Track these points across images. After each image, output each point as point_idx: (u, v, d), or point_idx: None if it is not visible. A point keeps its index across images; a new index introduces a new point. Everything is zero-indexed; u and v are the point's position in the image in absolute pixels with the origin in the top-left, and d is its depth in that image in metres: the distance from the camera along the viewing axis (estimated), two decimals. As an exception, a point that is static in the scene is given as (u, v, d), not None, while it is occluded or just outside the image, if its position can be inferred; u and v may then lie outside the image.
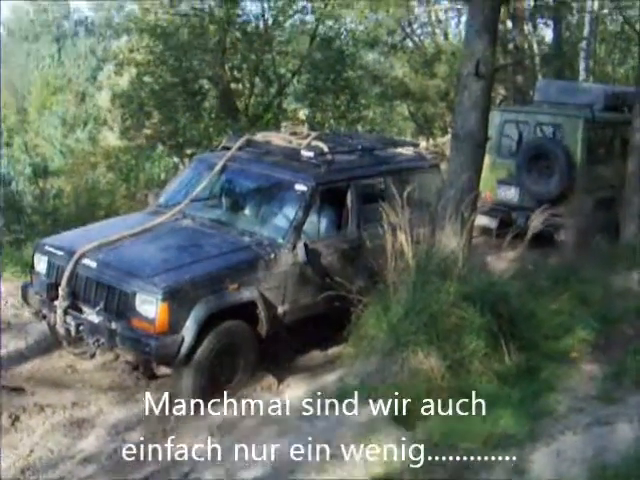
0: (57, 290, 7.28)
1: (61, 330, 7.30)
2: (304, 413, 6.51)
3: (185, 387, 7.04)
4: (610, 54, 28.07)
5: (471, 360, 7.01)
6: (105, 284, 7.14)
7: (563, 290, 9.76)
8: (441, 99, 22.57)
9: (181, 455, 6.27)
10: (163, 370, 7.54)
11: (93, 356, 7.48)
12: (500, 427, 6.18)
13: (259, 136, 9.42)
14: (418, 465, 5.45)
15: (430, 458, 5.58)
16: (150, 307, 6.84)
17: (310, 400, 6.87)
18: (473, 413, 6.33)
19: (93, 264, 7.27)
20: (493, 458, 5.74)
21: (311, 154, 8.43)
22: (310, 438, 5.77)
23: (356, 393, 6.61)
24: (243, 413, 6.91)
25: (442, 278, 7.46)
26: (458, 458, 5.68)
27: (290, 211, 8.04)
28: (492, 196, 13.00)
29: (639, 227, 12.44)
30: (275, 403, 7.07)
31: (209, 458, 6.06)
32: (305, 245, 7.64)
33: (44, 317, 7.56)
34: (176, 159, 17.03)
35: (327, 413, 6.30)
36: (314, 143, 8.85)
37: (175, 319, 6.85)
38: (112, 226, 8.41)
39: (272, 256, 7.61)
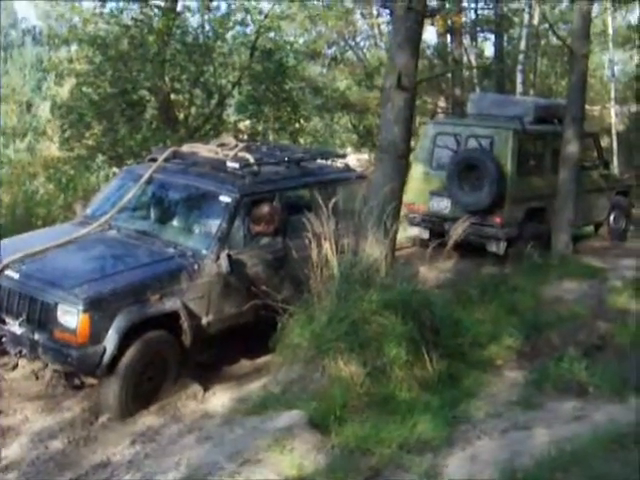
0: None
1: None
2: (225, 420, 6.62)
3: (109, 397, 7.08)
4: (552, 67, 28.53)
5: (392, 367, 7.12)
6: (27, 295, 7.15)
7: (492, 299, 9.97)
8: (383, 111, 22.70)
9: (102, 461, 6.34)
10: (91, 379, 7.55)
11: (15, 367, 7.58)
12: (417, 433, 6.28)
13: (186, 147, 9.57)
14: (332, 469, 5.53)
15: (345, 462, 5.68)
16: (71, 318, 6.86)
17: (232, 408, 6.99)
18: (391, 419, 6.45)
19: (16, 275, 7.29)
20: (407, 462, 5.86)
21: (236, 165, 8.51)
22: (228, 444, 5.84)
23: (276, 401, 6.74)
24: (166, 421, 7.00)
25: (365, 287, 7.59)
26: (373, 462, 5.78)
27: (214, 222, 8.09)
28: (425, 207, 13.13)
29: (570, 237, 12.70)
30: (199, 411, 7.21)
31: (129, 464, 6.14)
32: (229, 256, 7.68)
33: None
34: (116, 169, 16.95)
35: (247, 420, 6.38)
36: (240, 154, 8.91)
37: (97, 330, 6.87)
38: (38, 237, 8.49)
39: (195, 267, 7.66)
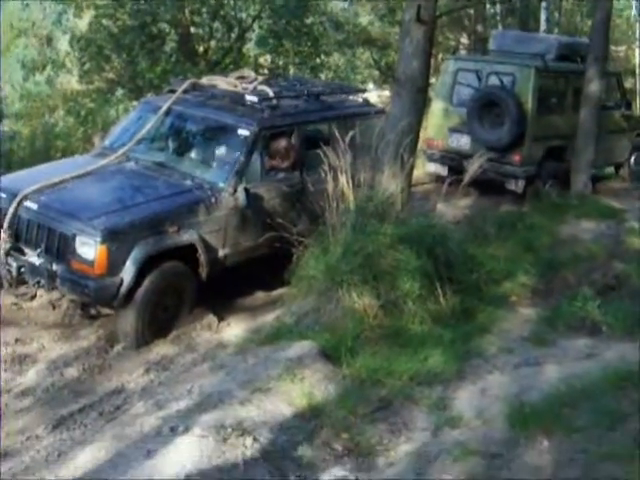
0: None
1: (3, 271, 7.35)
2: (238, 350, 6.69)
3: (126, 326, 7.17)
4: (578, 6, 28.08)
5: (405, 301, 7.11)
6: (46, 226, 7.18)
7: (508, 236, 9.95)
8: (405, 47, 22.45)
9: (116, 388, 6.44)
10: (107, 310, 7.63)
11: (34, 297, 7.65)
12: (428, 366, 6.29)
13: (205, 80, 9.46)
14: (342, 399, 5.58)
15: (355, 393, 5.73)
16: (89, 249, 6.89)
17: (245, 338, 7.06)
18: (402, 352, 6.48)
19: (35, 206, 7.31)
20: (417, 394, 5.90)
21: (255, 99, 8.44)
22: (240, 373, 5.90)
23: (290, 331, 6.79)
24: (181, 350, 7.09)
25: (380, 220, 7.57)
26: (383, 393, 5.83)
27: (232, 155, 8.09)
28: (444, 143, 13.07)
29: (589, 177, 12.63)
30: (213, 341, 7.29)
31: (142, 391, 6.24)
32: (246, 189, 7.71)
33: None
34: (135, 103, 16.92)
35: (260, 350, 6.43)
36: (260, 88, 8.85)
37: (114, 261, 6.91)
38: (57, 168, 8.45)
39: (213, 200, 7.67)
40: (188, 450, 4.58)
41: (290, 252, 7.70)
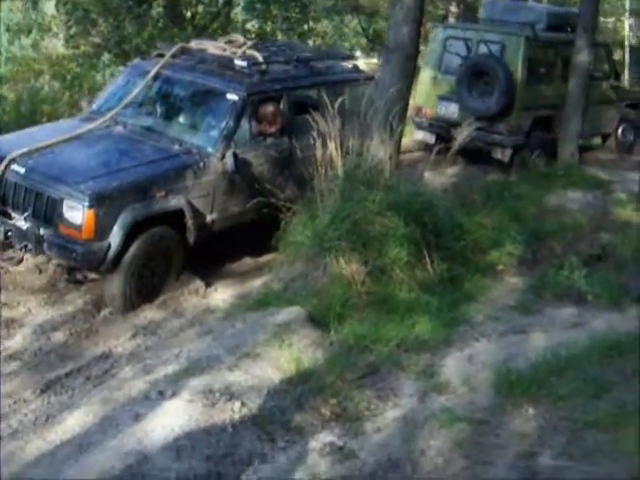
0: None
1: None
2: (226, 315, 6.70)
3: (113, 291, 7.19)
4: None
5: (392, 268, 7.12)
6: (33, 190, 7.16)
7: (495, 205, 9.96)
8: (393, 14, 22.34)
9: (103, 353, 6.44)
10: (94, 274, 7.61)
11: (20, 262, 7.61)
12: (415, 332, 6.31)
13: (193, 44, 9.40)
14: (330, 364, 5.60)
15: (343, 358, 5.74)
16: (77, 213, 6.88)
17: (233, 303, 7.06)
18: (390, 319, 6.50)
19: (22, 170, 7.27)
20: (405, 361, 5.93)
21: (244, 63, 8.41)
22: (227, 338, 5.91)
23: (277, 297, 6.80)
24: (168, 315, 7.09)
25: (369, 187, 7.55)
26: (370, 359, 5.85)
27: (221, 120, 8.05)
28: (432, 111, 13.05)
29: (577, 147, 12.66)
30: (200, 306, 7.29)
31: (129, 356, 6.24)
32: (234, 154, 7.68)
33: None
34: (122, 68, 16.79)
35: (247, 315, 6.44)
36: (249, 52, 8.80)
37: (102, 226, 6.91)
38: (44, 132, 8.38)
39: (201, 164, 7.65)
40: (176, 414, 4.58)
41: (278, 218, 7.68)
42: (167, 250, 7.45)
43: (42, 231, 7.04)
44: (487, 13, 13.92)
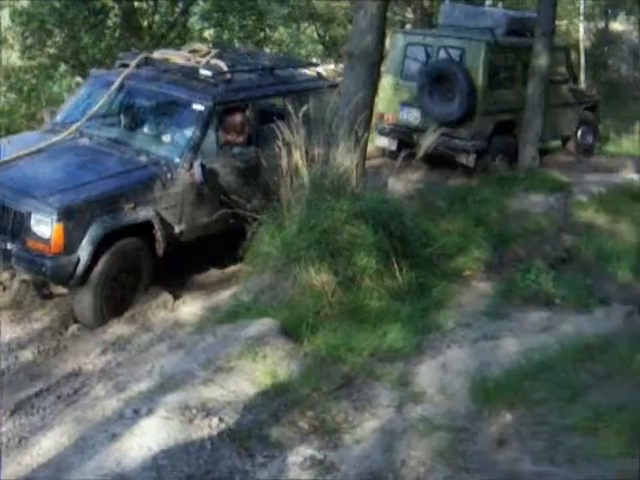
0: None
1: None
2: (196, 329, 6.63)
3: (84, 306, 7.11)
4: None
5: (362, 277, 7.12)
6: None
7: (459, 211, 10.01)
8: (349, 21, 22.38)
9: (73, 370, 6.35)
10: (60, 289, 7.51)
11: None
12: (387, 341, 6.32)
13: (157, 54, 9.32)
14: (305, 377, 5.57)
15: (318, 370, 5.72)
16: (45, 227, 6.80)
17: (202, 316, 7.00)
18: (362, 328, 6.49)
19: None
20: (379, 370, 5.91)
21: (209, 73, 8.37)
22: (200, 353, 5.85)
23: (247, 309, 6.76)
24: (137, 330, 7.01)
25: (336, 196, 7.55)
26: (345, 370, 5.83)
27: (187, 131, 8.02)
28: (395, 118, 13.09)
29: (537, 151, 12.76)
30: (169, 320, 7.22)
31: (100, 373, 6.15)
32: (202, 165, 7.64)
33: None
34: (79, 79, 16.63)
35: (218, 328, 6.39)
36: (213, 61, 8.78)
37: (71, 239, 6.84)
38: (7, 145, 8.17)
39: (169, 175, 7.61)
40: (153, 432, 4.53)
41: (244, 228, 7.67)
42: (136, 262, 7.39)
43: (9, 245, 6.95)
44: (446, 19, 13.95)
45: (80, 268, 6.91)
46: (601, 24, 27.67)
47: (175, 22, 17.18)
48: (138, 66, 8.73)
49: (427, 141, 8.55)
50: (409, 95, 12.93)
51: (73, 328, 7.05)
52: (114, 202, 7.15)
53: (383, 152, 13.32)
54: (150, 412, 4.77)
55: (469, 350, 6.30)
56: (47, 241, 6.80)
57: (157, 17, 17.25)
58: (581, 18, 24.47)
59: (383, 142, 13.24)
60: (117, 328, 7.08)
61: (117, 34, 16.29)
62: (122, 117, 8.52)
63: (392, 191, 9.32)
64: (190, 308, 7.47)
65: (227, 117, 8.19)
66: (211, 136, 8.03)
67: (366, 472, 4.46)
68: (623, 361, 5.60)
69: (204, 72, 8.39)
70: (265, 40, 19.24)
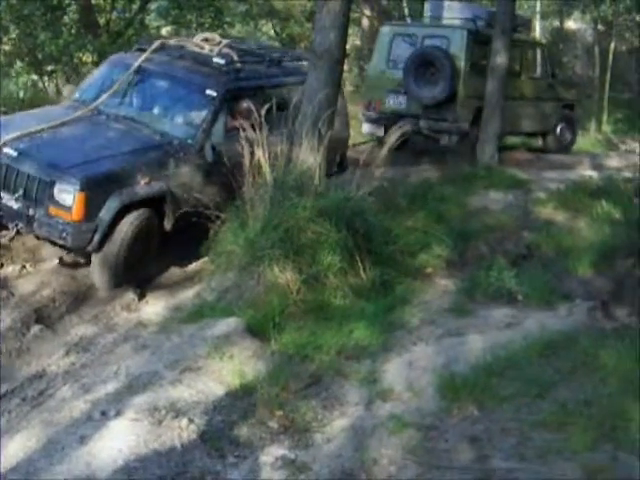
0: None
1: None
2: (160, 329, 6.58)
3: (101, 271, 7.58)
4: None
5: (326, 275, 7.14)
6: (25, 172, 7.47)
7: (420, 208, 10.05)
8: (307, 19, 22.42)
9: (37, 372, 6.25)
10: (22, 289, 7.43)
11: (12, 239, 7.97)
12: (354, 339, 6.32)
13: (173, 40, 9.85)
14: (273, 376, 5.54)
15: (285, 369, 5.70)
16: (68, 196, 7.24)
17: (166, 316, 6.95)
18: (328, 326, 6.48)
19: (14, 153, 7.58)
20: (346, 368, 5.91)
21: (222, 61, 8.94)
22: (166, 353, 5.81)
23: (212, 308, 6.72)
24: (100, 330, 6.93)
25: (299, 194, 7.56)
26: (312, 369, 5.82)
27: (200, 114, 8.47)
28: (381, 105, 13.73)
29: (496, 148, 12.88)
30: (132, 320, 7.15)
31: (65, 374, 6.07)
32: (213, 146, 8.11)
33: None
34: (35, 76, 16.45)
35: (184, 328, 6.35)
36: (225, 50, 9.25)
37: (90, 208, 7.28)
38: (31, 118, 8.65)
39: (181, 155, 8.04)
40: (123, 434, 4.47)
41: (206, 226, 7.75)
42: (147, 233, 7.74)
43: (33, 211, 7.40)
44: (432, 12, 14.61)
45: (98, 236, 7.35)
46: (556, 22, 27.95)
47: (132, 19, 17.08)
48: (154, 51, 9.24)
49: (392, 138, 8.69)
50: (395, 83, 13.62)
51: (35, 329, 6.94)
52: (131, 176, 7.57)
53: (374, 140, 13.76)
54: (118, 414, 4.72)
55: (435, 347, 6.31)
56: (69, 209, 7.24)
57: (114, 14, 17.13)
58: (537, 16, 24.71)
59: (370, 129, 13.88)
60: (79, 329, 6.99)
61: (74, 31, 16.13)
62: (139, 98, 9.03)
63: (357, 186, 9.26)
64: (153, 308, 7.40)
65: (236, 104, 8.58)
66: (221, 120, 8.49)
67: (338, 471, 4.44)
68: (587, 357, 5.66)
69: (217, 60, 8.96)
70: (223, 37, 19.15)
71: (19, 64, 16.30)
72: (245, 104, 8.44)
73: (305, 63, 9.94)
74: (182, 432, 4.60)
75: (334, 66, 8.21)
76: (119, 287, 7.56)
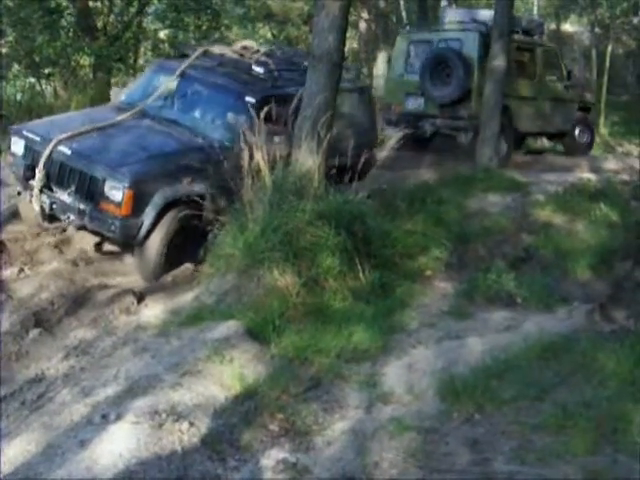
0: (33, 171, 8.19)
1: (36, 207, 8.24)
2: (160, 332, 6.56)
3: (143, 263, 8.13)
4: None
5: (326, 278, 7.16)
6: (78, 169, 8.03)
7: (418, 211, 10.05)
8: (304, 22, 22.42)
9: (37, 376, 6.24)
10: (21, 292, 7.41)
11: (64, 231, 8.47)
12: (353, 342, 6.31)
13: (214, 48, 10.32)
14: (273, 379, 5.54)
15: (285, 372, 5.69)
16: (117, 192, 7.75)
17: (165, 319, 6.93)
18: (327, 329, 6.47)
19: (68, 151, 8.13)
20: (346, 371, 5.91)
21: (261, 70, 9.48)
22: (165, 356, 5.79)
23: (211, 311, 6.71)
24: (99, 334, 6.92)
25: (298, 197, 7.58)
26: (312, 372, 5.81)
27: (238, 119, 8.79)
28: (400, 107, 14.62)
29: (495, 150, 12.89)
30: (131, 323, 7.13)
31: (65, 378, 6.06)
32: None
33: (18, 194, 8.66)
34: (32, 79, 16.47)
35: (183, 331, 6.33)
36: (263, 59, 9.83)
37: (137, 204, 7.79)
38: (80, 118, 9.18)
39: (220, 157, 8.24)
40: (123, 438, 4.45)
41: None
42: (188, 228, 8.10)
43: (84, 205, 7.95)
44: (447, 18, 15.21)
45: (143, 230, 7.88)
46: (552, 25, 28.00)
47: (130, 22, 17.08)
48: (197, 57, 9.79)
49: (390, 143, 8.74)
50: (413, 86, 14.35)
51: (34, 332, 6.93)
52: (175, 176, 8.05)
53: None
54: (119, 417, 4.69)
55: (435, 350, 6.33)
56: (118, 204, 7.74)
57: (112, 17, 17.14)
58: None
59: (390, 130, 14.07)
60: (78, 332, 6.98)
61: (72, 34, 16.15)
62: (181, 102, 9.50)
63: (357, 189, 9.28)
64: (152, 311, 7.38)
65: (273, 109, 8.60)
66: (258, 125, 8.46)
67: (339, 474, 4.44)
68: (586, 359, 5.66)
69: (257, 68, 9.51)
70: (220, 40, 19.17)
71: (16, 67, 16.33)
72: (281, 110, 8.71)
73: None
74: (183, 435, 4.59)
75: (333, 69, 8.22)
76: (160, 277, 8.08)
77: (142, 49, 18.56)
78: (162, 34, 18.41)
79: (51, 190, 8.20)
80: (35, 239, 8.68)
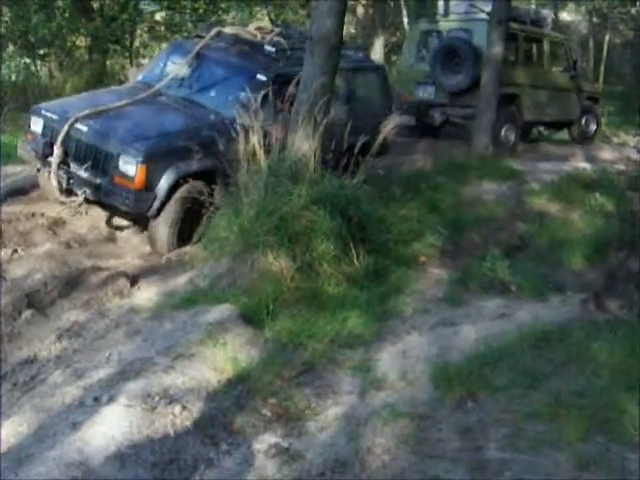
0: (51, 148, 8.45)
1: (54, 182, 8.45)
2: (153, 315, 6.54)
3: (156, 235, 8.35)
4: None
5: (320, 262, 7.14)
6: (94, 145, 8.32)
7: (414, 197, 10.03)
8: (302, 6, 22.35)
9: (29, 357, 6.20)
10: (13, 273, 7.37)
11: (80, 205, 8.71)
12: (347, 327, 6.33)
13: (228, 29, 10.57)
14: (266, 363, 5.53)
15: (279, 356, 5.69)
16: (131, 167, 8.01)
17: (159, 302, 6.90)
18: (321, 314, 6.47)
19: (85, 128, 8.42)
20: (340, 357, 5.90)
21: (273, 49, 9.68)
22: (158, 339, 5.77)
23: (205, 295, 6.68)
24: (92, 316, 6.88)
25: (294, 181, 7.56)
26: (306, 356, 5.81)
27: (250, 97, 8.61)
28: (412, 96, 14.79)
29: (490, 138, 12.87)
30: (124, 306, 7.09)
31: (57, 359, 6.02)
32: (262, 127, 8.24)
33: (38, 170, 8.98)
34: (27, 59, 16.38)
35: (176, 314, 6.32)
36: (276, 39, 9.99)
37: (151, 179, 8.06)
38: (98, 97, 9.50)
39: (232, 134, 8.29)
40: (116, 421, 4.44)
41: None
42: (199, 202, 8.16)
43: (99, 180, 8.21)
44: (456, 10, 15.21)
45: (156, 203, 8.12)
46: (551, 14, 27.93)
47: (126, 4, 16.95)
48: (212, 38, 10.05)
49: (384, 132, 8.70)
50: (424, 75, 14.61)
51: (27, 314, 6.87)
52: (187, 151, 8.11)
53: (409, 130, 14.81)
54: (111, 400, 4.68)
55: (428, 336, 6.34)
56: (132, 178, 8.00)
57: (108, -2, 17.05)
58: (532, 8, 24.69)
59: (402, 119, 14.05)
60: (71, 314, 6.90)
61: (67, 14, 16.06)
62: (196, 81, 9.73)
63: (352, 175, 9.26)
64: (145, 294, 7.33)
65: (284, 88, 8.96)
66: (269, 103, 8.92)
67: (332, 460, 4.44)
68: (580, 348, 5.67)
69: (268, 48, 9.71)
70: (217, 23, 19.09)
71: (11, 47, 16.23)
72: (293, 88, 8.82)
73: (351, 52, 10.83)
74: (175, 419, 4.58)
75: (331, 53, 8.19)
76: (173, 249, 8.26)
77: (138, 31, 18.44)
78: (158, 16, 18.33)
79: (68, 166, 8.44)
80: (29, 220, 8.66)
